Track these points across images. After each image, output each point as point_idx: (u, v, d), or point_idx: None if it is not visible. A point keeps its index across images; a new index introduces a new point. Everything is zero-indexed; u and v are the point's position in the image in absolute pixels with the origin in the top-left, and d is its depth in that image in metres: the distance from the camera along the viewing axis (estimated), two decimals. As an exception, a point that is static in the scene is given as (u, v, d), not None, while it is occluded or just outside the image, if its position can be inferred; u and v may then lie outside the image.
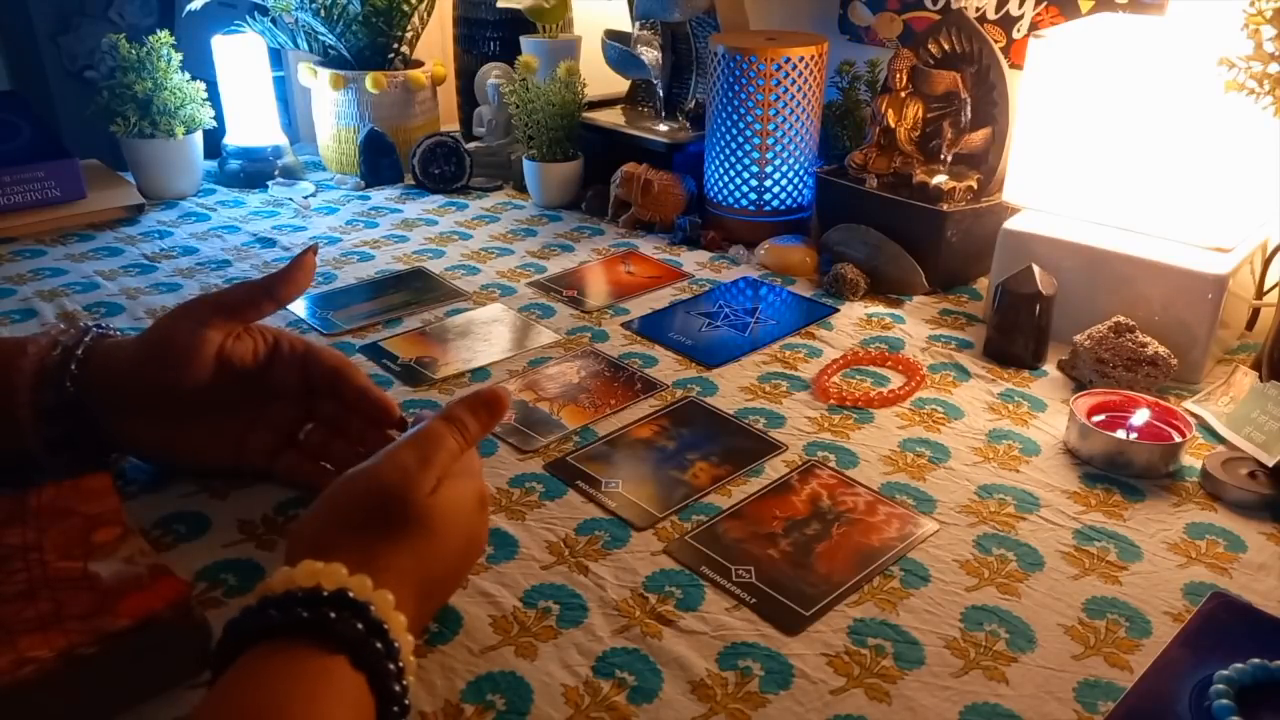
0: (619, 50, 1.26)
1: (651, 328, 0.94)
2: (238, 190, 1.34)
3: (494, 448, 0.73)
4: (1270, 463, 0.68)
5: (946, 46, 1.05)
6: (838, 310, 0.99)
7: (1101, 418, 0.75)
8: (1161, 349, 0.81)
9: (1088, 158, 0.88)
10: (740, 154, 1.12)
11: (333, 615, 0.41)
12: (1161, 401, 0.76)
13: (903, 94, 1.04)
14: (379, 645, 0.42)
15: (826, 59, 1.10)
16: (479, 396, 0.54)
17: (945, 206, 0.99)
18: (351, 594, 0.43)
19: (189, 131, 1.26)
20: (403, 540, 0.47)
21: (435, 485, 0.49)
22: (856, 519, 0.66)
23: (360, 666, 0.41)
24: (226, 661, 0.41)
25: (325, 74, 1.37)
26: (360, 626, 0.42)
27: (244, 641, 0.42)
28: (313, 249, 0.65)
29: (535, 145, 1.26)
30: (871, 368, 0.87)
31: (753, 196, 1.14)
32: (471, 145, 1.41)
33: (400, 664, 0.43)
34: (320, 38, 1.39)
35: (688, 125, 1.27)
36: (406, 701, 0.43)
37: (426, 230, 1.21)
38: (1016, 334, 0.87)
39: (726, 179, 1.14)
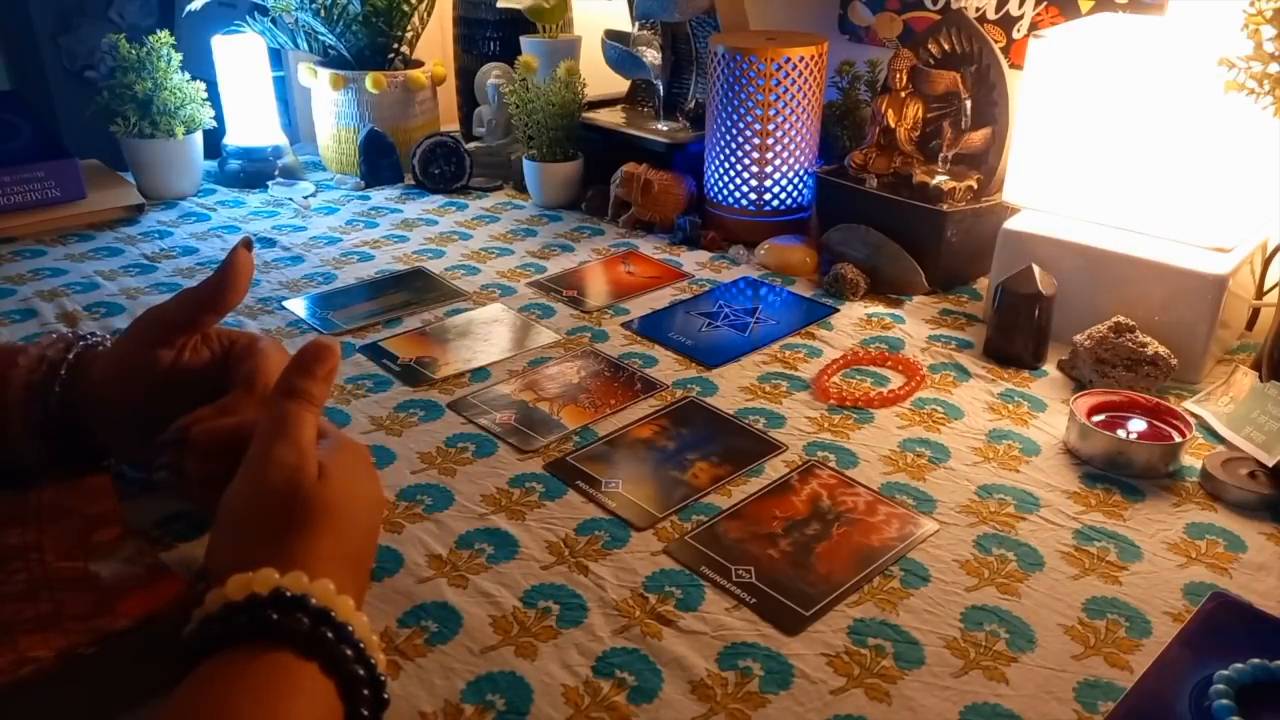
0: (619, 50, 1.26)
1: (651, 328, 0.94)
2: (238, 190, 1.34)
3: (494, 448, 0.73)
4: (1270, 463, 0.68)
5: (946, 46, 1.05)
6: (838, 310, 0.99)
7: (1101, 418, 0.75)
8: (1161, 349, 0.81)
9: (1088, 157, 0.88)
10: (740, 154, 1.12)
11: (275, 616, 0.41)
12: (1162, 401, 0.76)
13: (903, 94, 1.04)
14: (328, 633, 0.42)
15: (826, 59, 1.10)
16: (308, 356, 0.51)
17: (945, 206, 0.99)
18: (289, 592, 0.43)
19: (189, 131, 1.26)
20: (314, 529, 0.47)
21: (319, 468, 0.49)
22: (856, 519, 0.66)
23: (310, 655, 0.41)
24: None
25: (325, 74, 1.37)
26: (305, 619, 0.42)
27: (193, 662, 0.41)
28: (245, 242, 0.61)
29: (535, 145, 1.26)
30: (871, 368, 0.87)
31: (753, 196, 1.14)
32: (471, 145, 1.41)
33: (360, 643, 0.43)
34: (320, 38, 1.39)
35: (688, 125, 1.27)
36: (382, 677, 0.43)
37: (426, 230, 1.21)
38: (1016, 334, 0.87)
39: (726, 179, 1.14)
